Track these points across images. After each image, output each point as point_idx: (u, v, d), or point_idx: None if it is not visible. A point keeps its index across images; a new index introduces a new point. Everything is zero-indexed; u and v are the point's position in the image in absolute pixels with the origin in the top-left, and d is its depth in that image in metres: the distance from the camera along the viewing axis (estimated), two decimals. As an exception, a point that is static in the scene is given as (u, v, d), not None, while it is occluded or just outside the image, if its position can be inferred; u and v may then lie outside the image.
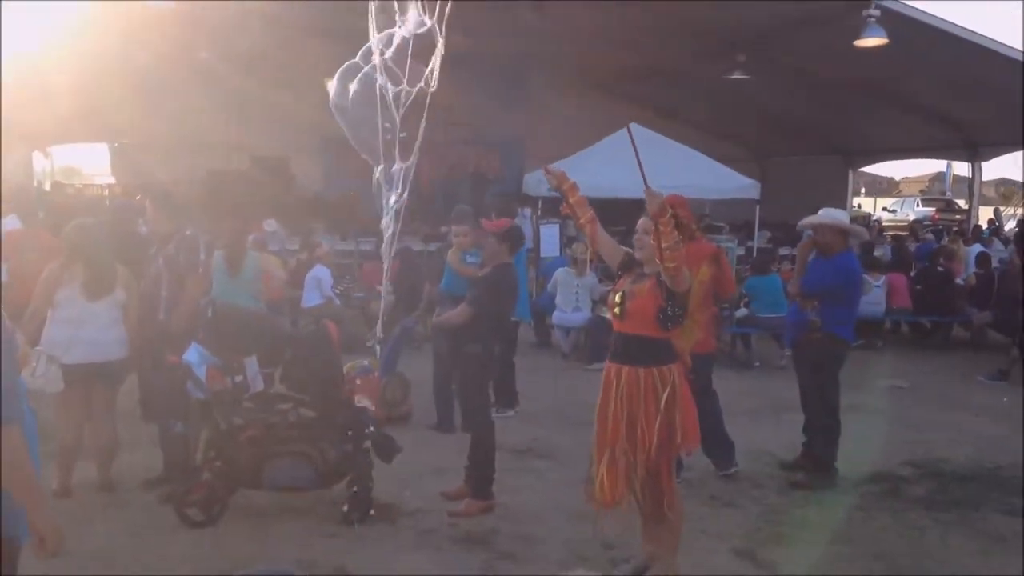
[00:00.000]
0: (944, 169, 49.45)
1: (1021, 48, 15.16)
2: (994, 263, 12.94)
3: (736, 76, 17.57)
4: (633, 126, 14.99)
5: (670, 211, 4.20)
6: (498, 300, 5.63)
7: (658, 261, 4.22)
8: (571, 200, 4.73)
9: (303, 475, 5.54)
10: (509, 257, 5.75)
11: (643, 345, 4.37)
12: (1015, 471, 6.58)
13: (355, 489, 5.48)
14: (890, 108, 19.03)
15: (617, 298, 4.47)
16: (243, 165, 19.20)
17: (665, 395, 4.36)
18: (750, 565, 4.97)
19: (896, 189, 51.62)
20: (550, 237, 13.24)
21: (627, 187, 15.17)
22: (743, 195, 14.36)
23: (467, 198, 21.98)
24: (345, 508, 5.44)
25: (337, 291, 11.04)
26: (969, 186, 21.36)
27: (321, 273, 10.62)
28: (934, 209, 33.16)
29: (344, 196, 17.99)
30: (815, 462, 6.32)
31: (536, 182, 14.29)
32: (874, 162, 25.45)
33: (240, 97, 19.13)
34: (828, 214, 6.40)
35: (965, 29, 14.57)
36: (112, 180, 23.12)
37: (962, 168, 43.09)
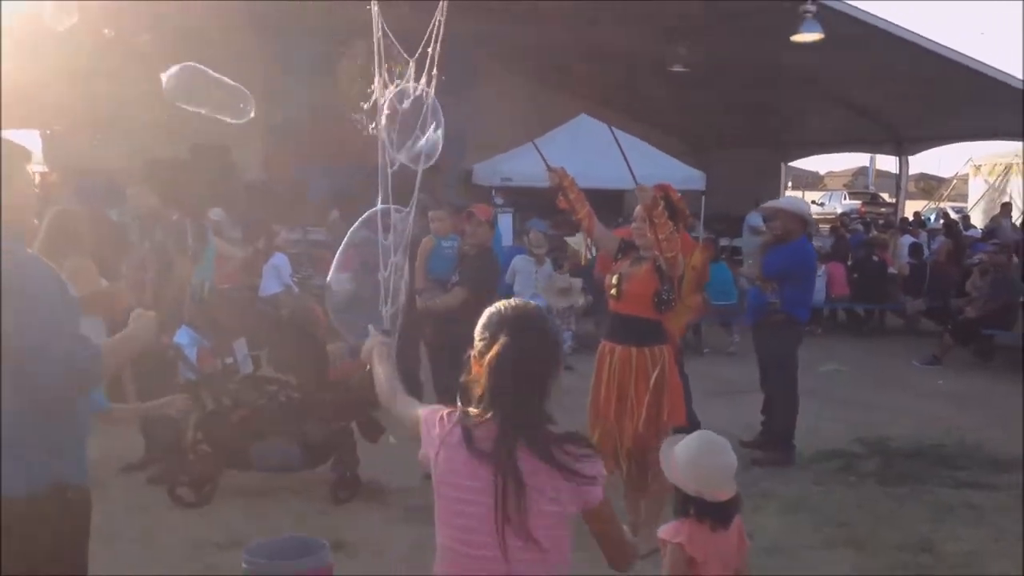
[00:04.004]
0: (867, 163, 51.16)
1: (948, 45, 15.80)
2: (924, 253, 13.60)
3: (677, 69, 18.01)
4: (583, 117, 15.40)
5: (662, 203, 4.46)
6: (490, 282, 5.85)
7: (657, 252, 4.48)
8: (571, 196, 4.94)
9: (291, 455, 5.70)
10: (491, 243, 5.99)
11: (637, 325, 4.64)
12: (957, 449, 7.03)
13: (342, 468, 5.67)
14: (822, 102, 19.69)
15: (614, 280, 4.73)
16: (182, 153, 18.97)
17: (655, 374, 4.64)
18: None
19: (821, 183, 53.17)
20: (504, 227, 13.46)
21: (576, 176, 15.52)
22: (689, 186, 14.74)
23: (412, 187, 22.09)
24: (333, 486, 5.62)
25: (296, 279, 11.08)
26: (896, 180, 22.23)
27: (280, 261, 10.65)
28: (860, 202, 34.34)
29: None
30: (774, 439, 6.68)
31: (488, 172, 14.47)
32: (805, 155, 26.30)
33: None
34: (789, 202, 6.77)
35: (896, 25, 15.20)
36: (44, 168, 22.57)
37: (884, 163, 44.64)
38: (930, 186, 44.04)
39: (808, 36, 13.61)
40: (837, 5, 13.82)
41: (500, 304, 2.37)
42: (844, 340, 12.03)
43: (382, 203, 4.83)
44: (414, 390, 5.79)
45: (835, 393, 8.90)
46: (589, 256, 10.74)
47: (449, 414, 2.25)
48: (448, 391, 5.78)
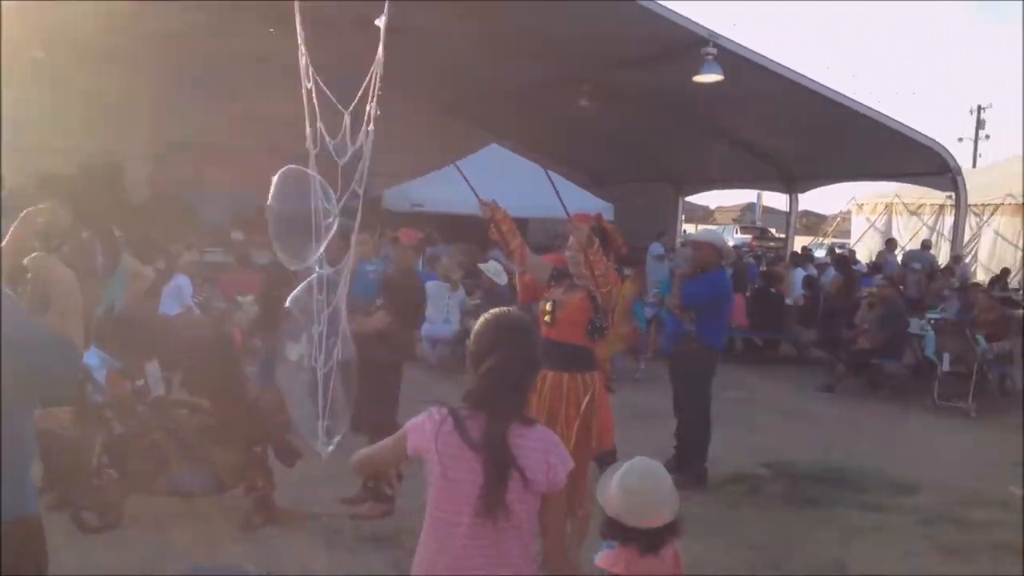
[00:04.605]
0: (754, 199, 53.01)
1: (836, 90, 16.57)
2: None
3: (582, 103, 18.35)
4: (494, 146, 15.51)
5: (596, 240, 4.53)
6: (414, 306, 5.79)
7: (594, 288, 4.54)
8: (504, 229, 4.98)
9: (201, 481, 5.51)
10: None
11: (569, 352, 4.67)
12: (857, 472, 7.28)
13: (256, 493, 5.50)
14: (718, 139, 20.35)
15: (548, 306, 4.75)
16: (72, 170, 18.27)
17: (586, 400, 4.68)
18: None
19: (711, 217, 54.79)
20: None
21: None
22: (597, 217, 15.02)
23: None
24: (247, 512, 5.45)
25: (196, 300, 10.75)
26: (786, 217, 23.08)
27: (182, 282, 10.33)
28: (751, 236, 35.50)
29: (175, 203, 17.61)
30: (688, 463, 6.79)
31: (398, 197, 14.40)
32: (701, 191, 27.05)
33: (72, 98, 18.23)
34: (707, 234, 6.94)
35: (790, 70, 15.87)
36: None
37: (769, 199, 46.34)
38: (813, 222, 45.85)
39: (708, 77, 14.07)
40: (737, 49, 14.35)
41: (494, 314, 2.76)
42: (743, 368, 12.35)
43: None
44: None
45: (738, 418, 9.10)
46: (500, 283, 10.78)
47: (437, 411, 2.60)
48: (371, 413, 5.73)
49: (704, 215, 53.81)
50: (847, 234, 31.94)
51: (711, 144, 20.63)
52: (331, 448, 5.14)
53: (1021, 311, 12.97)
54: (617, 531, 2.93)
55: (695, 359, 6.73)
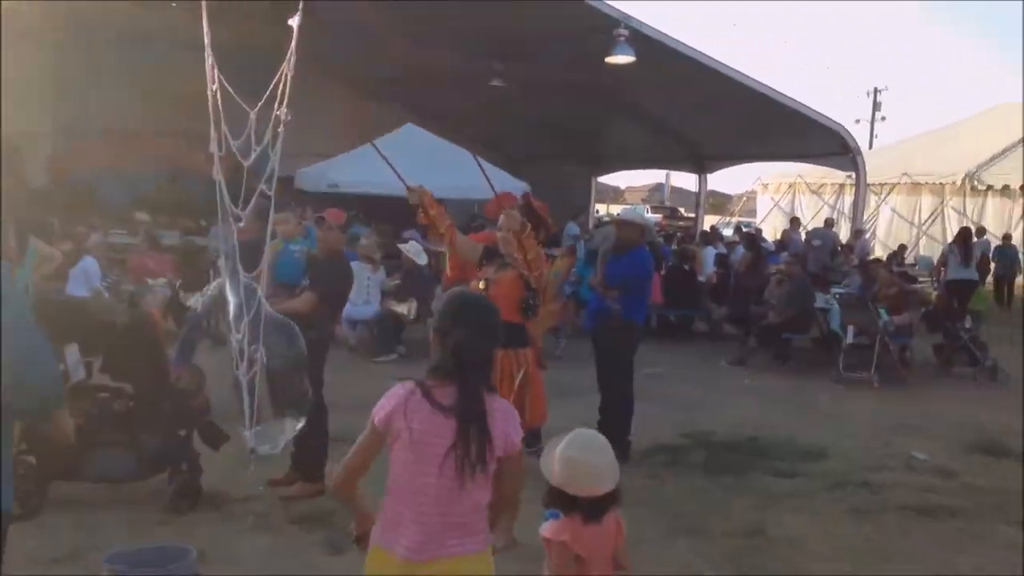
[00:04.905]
0: (663, 180, 54.00)
1: (745, 72, 17.00)
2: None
3: (495, 84, 18.38)
4: (409, 126, 15.45)
5: (529, 226, 4.63)
6: (341, 287, 5.79)
7: (526, 272, 4.64)
8: (431, 213, 5.04)
9: (124, 466, 5.43)
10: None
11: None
12: (770, 441, 7.57)
13: (180, 477, 5.45)
14: (630, 121, 20.68)
15: (481, 284, 4.83)
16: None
17: (519, 376, 4.78)
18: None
19: (622, 197, 55.52)
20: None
21: (398, 185, 15.43)
22: (514, 197, 15.12)
23: (230, 189, 21.33)
24: (173, 496, 5.39)
25: (105, 283, 10.47)
26: (696, 196, 23.63)
27: (89, 265, 10.05)
28: (661, 216, 36.18)
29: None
30: (611, 438, 6.94)
31: (313, 178, 14.22)
32: (613, 171, 27.45)
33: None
34: (629, 213, 7.09)
35: (701, 53, 16.21)
36: None
37: (677, 180, 47.28)
38: (719, 202, 46.87)
39: (620, 59, 14.26)
40: (649, 32, 14.58)
41: (456, 293, 3.00)
42: (659, 345, 12.63)
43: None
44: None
45: (656, 393, 9.31)
46: (420, 263, 10.82)
47: (402, 385, 2.77)
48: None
49: (615, 195, 54.50)
50: (753, 213, 32.84)
51: (624, 125, 20.95)
52: (269, 451, 5.16)
53: (919, 285, 13.60)
54: (561, 501, 3.01)
55: (618, 335, 6.88)
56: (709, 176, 23.15)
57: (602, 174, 26.94)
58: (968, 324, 10.95)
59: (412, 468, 2.70)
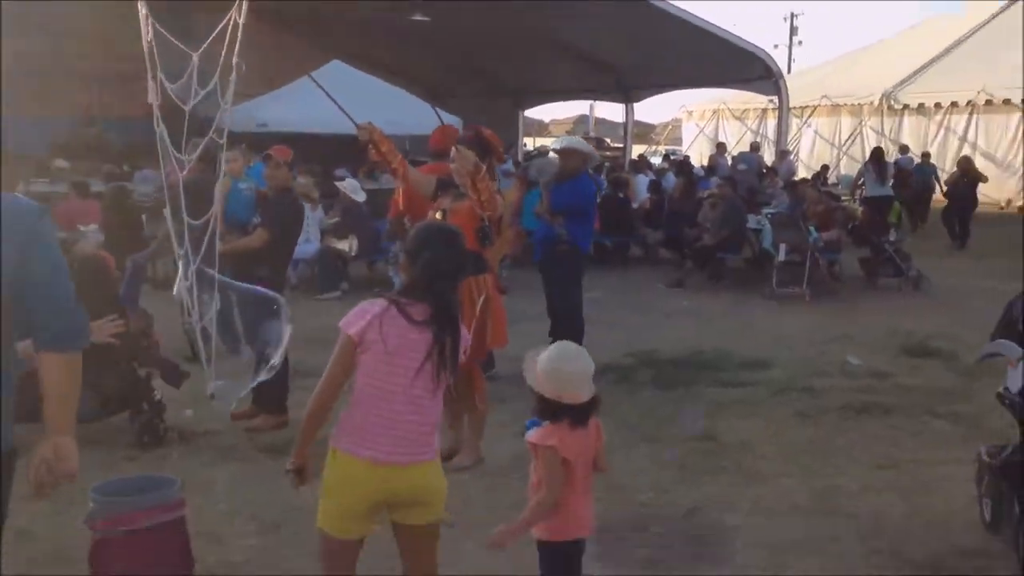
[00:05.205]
0: (587, 112, 53.99)
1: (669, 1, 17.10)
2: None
3: (417, 18, 18.13)
4: (336, 63, 15.22)
5: (484, 168, 4.72)
6: (292, 223, 5.80)
7: (479, 211, 4.74)
8: (383, 149, 5.09)
9: (85, 407, 5.38)
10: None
11: None
12: (713, 355, 7.86)
13: (143, 416, 5.48)
14: (555, 53, 20.63)
15: (438, 215, 4.92)
16: None
17: (480, 301, 4.91)
18: (534, 444, 5.67)
19: (547, 130, 55.43)
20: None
21: (327, 123, 15.18)
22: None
23: (141, 132, 20.76)
24: (138, 434, 5.43)
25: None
26: (624, 126, 23.79)
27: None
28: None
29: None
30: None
31: (242, 118, 13.92)
32: (539, 103, 27.42)
33: None
34: (571, 141, 7.21)
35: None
36: None
37: (601, 110, 47.35)
38: (643, 131, 47.10)
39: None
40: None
41: (425, 223, 3.39)
42: (597, 271, 12.84)
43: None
44: None
45: (600, 316, 9.55)
46: (359, 200, 10.79)
47: (373, 302, 2.97)
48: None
49: (539, 128, 54.39)
50: (678, 141, 33.23)
51: (549, 57, 20.90)
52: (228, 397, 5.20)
53: (843, 203, 14.06)
54: (549, 409, 3.15)
55: (566, 261, 7.03)
56: (634, 106, 23.30)
57: (528, 107, 26.89)
58: (892, 237, 11.38)
59: (385, 378, 2.91)
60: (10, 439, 2.58)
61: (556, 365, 3.16)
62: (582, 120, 55.78)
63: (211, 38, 4.64)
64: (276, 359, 4.96)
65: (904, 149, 18.66)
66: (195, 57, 4.75)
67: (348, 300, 10.03)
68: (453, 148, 5.05)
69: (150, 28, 5.40)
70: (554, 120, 58.57)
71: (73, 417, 2.68)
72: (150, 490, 3.77)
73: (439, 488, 3.07)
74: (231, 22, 4.38)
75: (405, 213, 6.06)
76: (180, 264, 5.35)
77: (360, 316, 2.93)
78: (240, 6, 4.25)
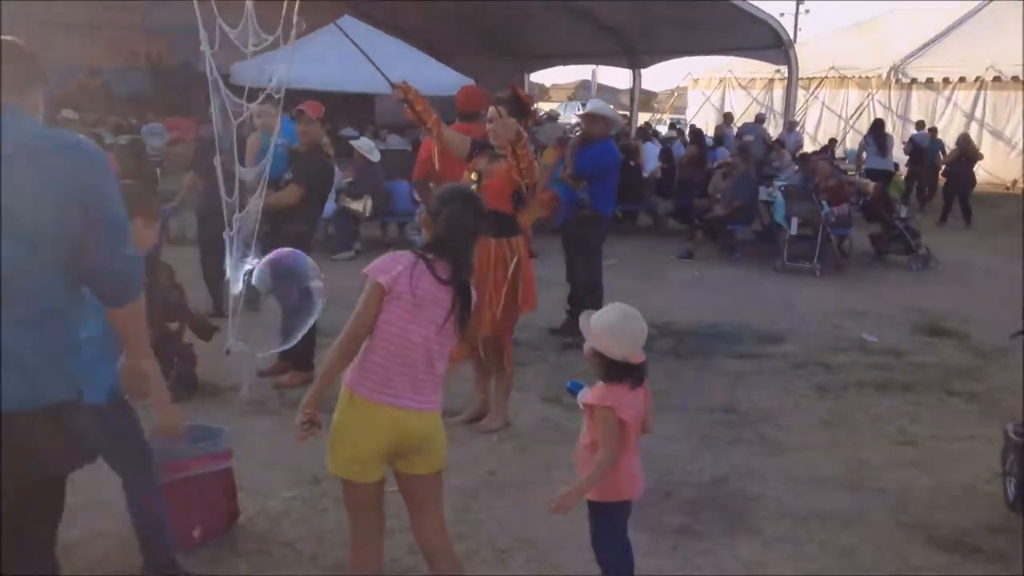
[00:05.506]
0: (589, 77, 53.56)
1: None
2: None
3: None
4: (349, 19, 15.03)
5: (525, 135, 4.72)
6: (324, 179, 5.80)
7: (517, 178, 4.73)
8: (418, 108, 5.06)
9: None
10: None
11: (496, 219, 4.84)
12: (729, 327, 7.93)
13: (177, 369, 5.51)
14: (563, 15, 20.44)
15: (473, 176, 4.92)
16: None
17: (513, 264, 4.92)
18: (559, 408, 5.73)
19: (547, 95, 55.08)
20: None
21: (331, 81, 14.97)
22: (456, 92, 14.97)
23: (144, 85, 20.58)
24: (170, 385, 5.44)
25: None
26: (631, 92, 23.66)
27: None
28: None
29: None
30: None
31: (252, 73, 13.78)
32: (544, 67, 27.20)
33: None
34: (596, 105, 7.19)
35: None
36: None
37: (604, 76, 47.01)
38: (645, 99, 46.83)
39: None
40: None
41: (447, 185, 3.52)
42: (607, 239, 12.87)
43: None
44: None
45: (614, 285, 9.59)
46: (373, 160, 10.76)
47: (402, 255, 3.11)
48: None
49: (541, 92, 54.01)
50: (681, 110, 33.08)
51: (557, 19, 20.70)
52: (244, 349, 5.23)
53: (850, 176, 14.07)
54: (615, 371, 3.20)
55: (587, 227, 7.06)
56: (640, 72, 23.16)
57: (534, 71, 26.68)
58: (904, 214, 11.42)
59: (409, 328, 3.02)
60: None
61: (624, 325, 3.21)
62: (583, 86, 55.31)
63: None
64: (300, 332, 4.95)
65: (920, 125, 18.58)
66: (248, 3, 4.70)
67: (361, 260, 10.06)
68: (491, 108, 5.04)
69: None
70: (555, 85, 58.15)
71: (148, 345, 2.82)
72: (199, 439, 3.83)
73: (442, 438, 3.16)
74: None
75: (431, 174, 6.05)
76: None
77: (391, 265, 3.04)
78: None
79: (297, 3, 4.65)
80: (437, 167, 5.37)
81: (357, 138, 12.65)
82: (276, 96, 5.10)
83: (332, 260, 9.99)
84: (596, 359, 3.25)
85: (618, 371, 3.21)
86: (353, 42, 6.13)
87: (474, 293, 3.20)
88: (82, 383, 2.52)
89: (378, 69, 5.79)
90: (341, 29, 6.13)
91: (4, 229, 2.30)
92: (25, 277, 2.35)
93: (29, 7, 17.07)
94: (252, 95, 5.11)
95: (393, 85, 5.27)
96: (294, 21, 4.27)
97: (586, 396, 3.28)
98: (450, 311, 3.05)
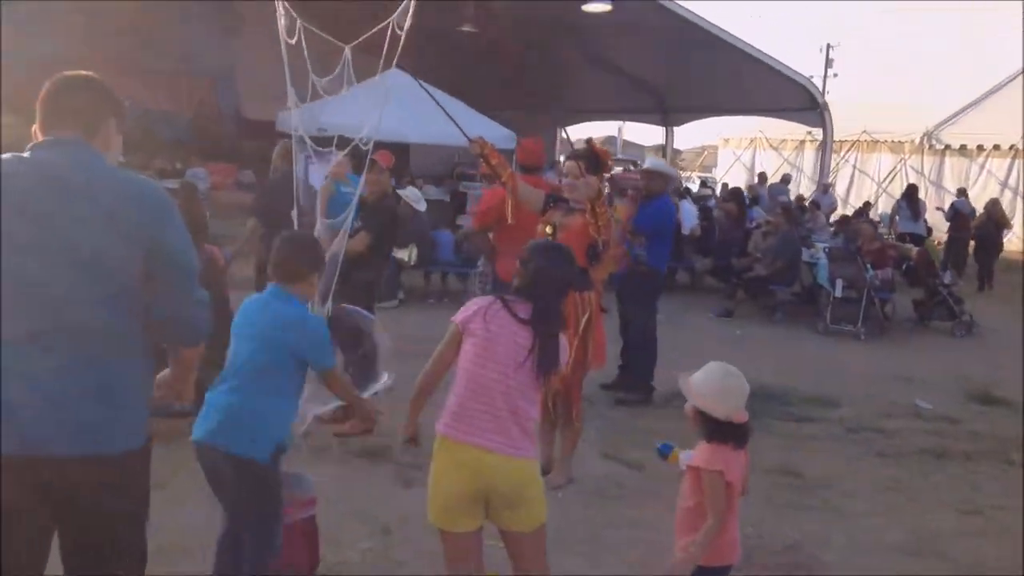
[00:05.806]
0: (615, 133, 53.97)
1: (719, 25, 17.18)
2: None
3: (466, 29, 18.23)
4: (395, 71, 15.24)
5: (605, 192, 4.81)
6: (391, 228, 5.89)
7: (595, 234, 4.80)
8: (493, 162, 5.17)
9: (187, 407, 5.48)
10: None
11: None
12: (779, 388, 7.87)
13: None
14: (599, 72, 20.73)
15: (548, 229, 4.97)
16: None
17: (584, 319, 4.95)
18: (619, 464, 5.73)
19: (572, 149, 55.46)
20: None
21: (377, 130, 15.21)
22: (502, 145, 15.12)
23: (186, 129, 20.91)
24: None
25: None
26: (663, 148, 23.86)
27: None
28: (622, 169, 36.32)
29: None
30: (636, 381, 7.20)
31: (308, 119, 14.00)
32: (577, 122, 27.49)
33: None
34: (654, 163, 7.28)
35: (675, 2, 16.31)
36: None
37: (629, 133, 47.38)
38: (671, 157, 47.13)
39: (598, 7, 14.25)
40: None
41: (543, 242, 3.90)
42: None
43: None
44: None
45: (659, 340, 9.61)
46: (420, 209, 10.88)
47: (481, 298, 3.31)
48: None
49: (566, 147, 54.47)
50: (709, 169, 33.26)
51: (593, 75, 20.99)
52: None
53: (895, 240, 14.07)
54: (720, 432, 3.19)
55: (643, 282, 7.10)
56: (660, 130, 23.37)
57: (568, 125, 26.99)
58: (947, 279, 11.39)
59: (482, 365, 3.12)
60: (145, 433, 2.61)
61: (726, 383, 3.20)
62: (609, 141, 55.74)
63: (366, 36, 4.72)
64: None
65: (962, 192, 18.60)
66: (347, 50, 4.82)
67: (405, 309, 10.13)
68: (569, 163, 5.13)
69: (298, 28, 5.37)
70: (579, 140, 58.69)
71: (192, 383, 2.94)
72: (287, 486, 3.83)
73: (539, 490, 3.19)
74: (390, 26, 4.47)
75: (482, 224, 6.14)
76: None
77: (468, 307, 3.25)
78: (408, 7, 4.33)
79: (382, 59, 4.75)
80: (510, 220, 5.44)
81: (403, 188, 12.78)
82: (364, 147, 5.21)
83: (378, 308, 10.05)
84: (699, 419, 3.24)
85: (722, 432, 3.20)
86: (431, 95, 6.22)
87: (564, 342, 3.27)
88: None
89: (455, 122, 5.89)
90: (422, 85, 6.23)
91: (63, 257, 2.34)
92: (84, 307, 2.39)
93: (77, 48, 17.49)
94: (341, 144, 5.23)
95: (470, 140, 5.38)
96: (389, 71, 4.30)
97: (691, 458, 3.27)
98: (529, 351, 3.11)
